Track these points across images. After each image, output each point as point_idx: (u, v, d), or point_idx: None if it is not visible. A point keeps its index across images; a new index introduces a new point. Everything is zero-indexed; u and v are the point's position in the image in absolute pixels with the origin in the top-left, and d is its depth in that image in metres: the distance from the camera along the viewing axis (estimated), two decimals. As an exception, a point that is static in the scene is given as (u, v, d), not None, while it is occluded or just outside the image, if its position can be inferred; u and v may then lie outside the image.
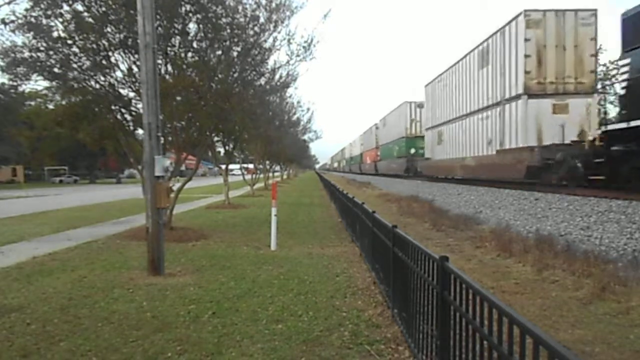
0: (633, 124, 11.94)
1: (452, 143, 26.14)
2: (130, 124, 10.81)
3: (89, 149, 20.09)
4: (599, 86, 20.76)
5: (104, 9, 8.80)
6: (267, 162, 35.24)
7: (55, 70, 9.22)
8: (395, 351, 3.79)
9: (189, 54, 10.11)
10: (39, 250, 8.62)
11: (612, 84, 25.41)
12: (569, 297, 5.36)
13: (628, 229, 8.54)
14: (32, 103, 21.38)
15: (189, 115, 10.53)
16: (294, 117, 31.15)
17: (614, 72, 33.09)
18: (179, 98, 10.16)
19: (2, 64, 9.32)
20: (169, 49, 9.65)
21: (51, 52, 8.93)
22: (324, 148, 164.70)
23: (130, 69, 9.63)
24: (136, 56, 9.01)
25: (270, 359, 3.68)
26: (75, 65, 9.21)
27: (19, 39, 8.86)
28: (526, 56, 16.91)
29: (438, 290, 2.79)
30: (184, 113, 10.48)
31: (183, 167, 18.98)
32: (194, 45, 10.02)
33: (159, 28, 8.82)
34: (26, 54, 8.91)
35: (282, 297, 5.40)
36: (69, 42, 8.87)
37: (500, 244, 8.30)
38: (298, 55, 11.41)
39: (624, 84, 12.73)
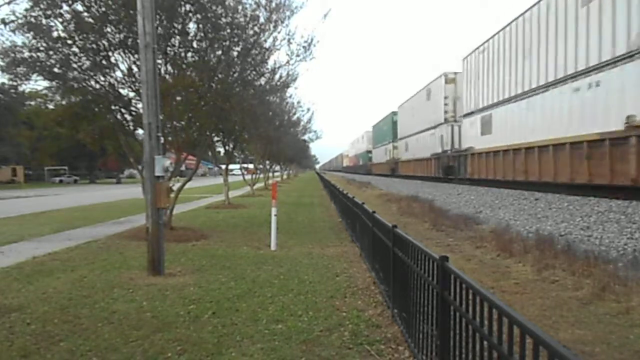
0: None
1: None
2: (130, 124, 10.81)
3: (89, 149, 20.09)
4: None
5: (103, 9, 8.79)
6: (267, 162, 35.23)
7: (55, 70, 9.21)
8: (395, 351, 3.79)
9: (189, 54, 10.10)
10: (39, 250, 8.62)
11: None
12: (569, 297, 5.36)
13: (628, 229, 8.54)
14: (32, 103, 21.34)
15: (189, 115, 10.52)
16: (294, 117, 31.17)
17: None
18: (179, 98, 10.16)
19: (2, 64, 9.31)
20: (169, 49, 9.64)
21: (51, 52, 8.92)
22: (324, 149, 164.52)
23: (130, 69, 9.62)
24: (136, 56, 9.01)
25: (270, 359, 3.68)
26: (75, 65, 9.21)
27: (19, 39, 8.86)
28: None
29: (438, 290, 2.79)
30: (184, 113, 10.48)
31: (183, 167, 18.97)
32: (194, 45, 10.01)
33: (159, 28, 8.81)
34: (26, 54, 8.90)
35: (282, 297, 5.40)
36: (69, 42, 8.87)
37: (500, 244, 8.29)
38: (298, 55, 11.40)
39: None
